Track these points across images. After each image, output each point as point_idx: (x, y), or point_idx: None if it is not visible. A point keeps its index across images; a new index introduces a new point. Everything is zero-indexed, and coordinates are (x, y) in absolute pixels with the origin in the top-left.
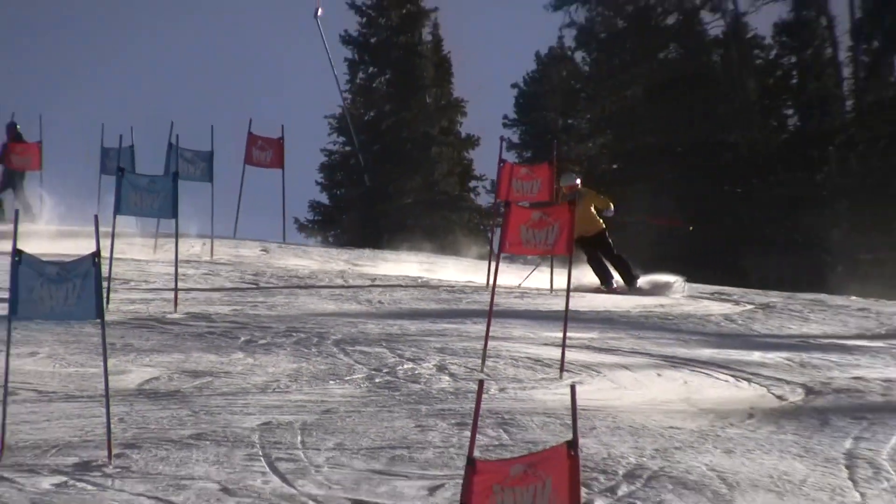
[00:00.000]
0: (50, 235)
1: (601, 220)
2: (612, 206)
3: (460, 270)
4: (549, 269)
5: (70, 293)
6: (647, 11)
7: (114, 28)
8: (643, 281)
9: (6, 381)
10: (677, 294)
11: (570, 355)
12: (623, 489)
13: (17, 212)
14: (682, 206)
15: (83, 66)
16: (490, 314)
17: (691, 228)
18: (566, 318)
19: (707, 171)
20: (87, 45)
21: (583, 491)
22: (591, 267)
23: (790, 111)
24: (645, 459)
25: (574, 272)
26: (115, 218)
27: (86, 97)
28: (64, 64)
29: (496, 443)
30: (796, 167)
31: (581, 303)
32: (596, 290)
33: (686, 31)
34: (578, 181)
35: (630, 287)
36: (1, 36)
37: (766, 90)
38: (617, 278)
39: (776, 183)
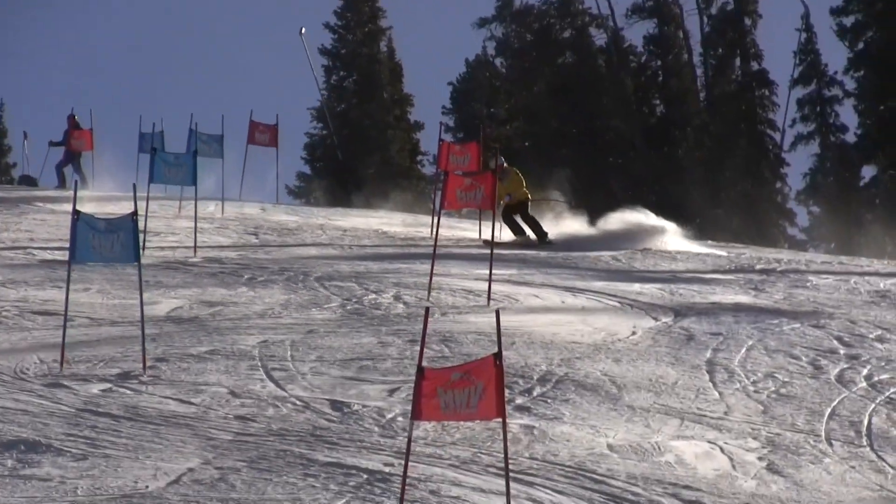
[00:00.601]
0: (99, 200)
1: (522, 193)
2: (527, 194)
3: (409, 225)
4: (479, 223)
5: (115, 242)
6: (548, 28)
7: (145, 37)
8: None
9: (66, 310)
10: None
11: (495, 287)
12: (537, 390)
13: (76, 182)
14: (576, 176)
15: (123, 69)
16: (434, 257)
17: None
18: (491, 259)
19: (594, 149)
20: (132, 48)
21: (506, 392)
22: (506, 223)
23: (657, 102)
24: (553, 367)
25: (498, 225)
26: (149, 186)
27: (125, 93)
28: (106, 66)
29: (439, 355)
30: (662, 145)
31: (503, 248)
32: (512, 243)
33: (578, 43)
34: (504, 161)
35: (542, 241)
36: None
37: (639, 87)
38: (529, 233)
39: (646, 158)
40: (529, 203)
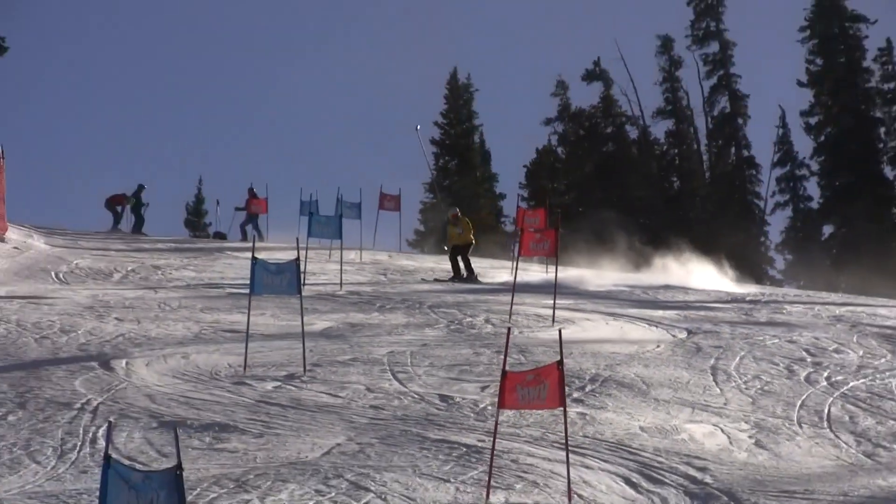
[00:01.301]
0: (271, 250)
1: (468, 238)
2: (472, 239)
3: (495, 267)
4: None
5: (283, 280)
6: (595, 125)
7: (299, 127)
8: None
9: (247, 329)
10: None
11: (558, 313)
12: (589, 387)
13: (254, 237)
14: (617, 230)
15: (287, 150)
16: (513, 291)
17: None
18: (555, 292)
19: (628, 212)
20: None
21: (566, 388)
22: (451, 262)
23: (674, 178)
24: (600, 370)
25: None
26: (307, 239)
27: (290, 171)
28: (276, 149)
29: (518, 362)
30: (676, 210)
31: (563, 281)
32: (449, 279)
33: (616, 136)
34: (458, 212)
35: (470, 279)
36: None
37: (661, 167)
38: (464, 272)
39: (665, 218)
40: (472, 246)
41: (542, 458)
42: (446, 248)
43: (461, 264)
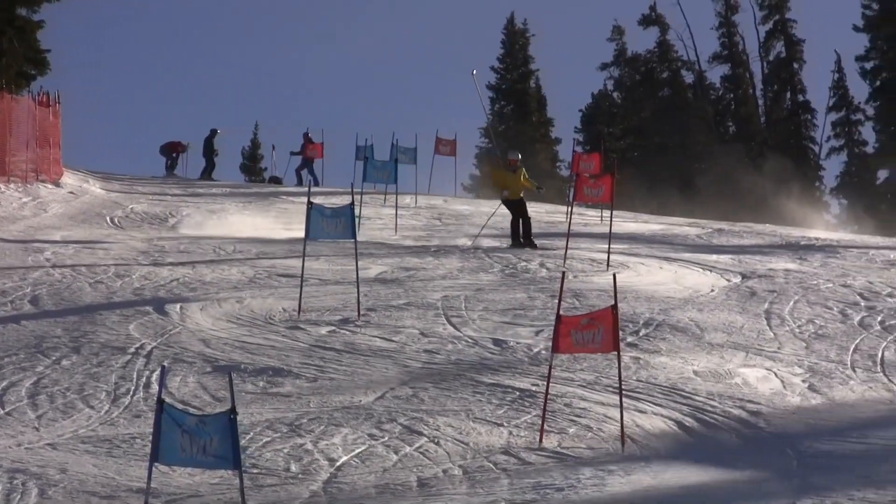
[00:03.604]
0: (327, 194)
1: (523, 190)
2: (540, 189)
3: (551, 212)
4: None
5: (338, 224)
6: (651, 70)
7: (358, 72)
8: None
9: (302, 273)
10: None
11: (613, 257)
12: (643, 332)
13: (310, 181)
14: (673, 173)
15: (345, 96)
16: (568, 235)
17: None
18: (609, 236)
19: (685, 157)
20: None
21: (620, 332)
22: (511, 226)
23: (730, 124)
24: (654, 315)
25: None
26: (363, 184)
27: (347, 115)
28: (334, 95)
29: (572, 307)
30: (733, 154)
31: (618, 228)
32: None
33: (672, 81)
34: (519, 156)
35: (528, 244)
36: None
37: (717, 113)
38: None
39: (720, 163)
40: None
41: (596, 403)
42: (505, 195)
43: (521, 228)
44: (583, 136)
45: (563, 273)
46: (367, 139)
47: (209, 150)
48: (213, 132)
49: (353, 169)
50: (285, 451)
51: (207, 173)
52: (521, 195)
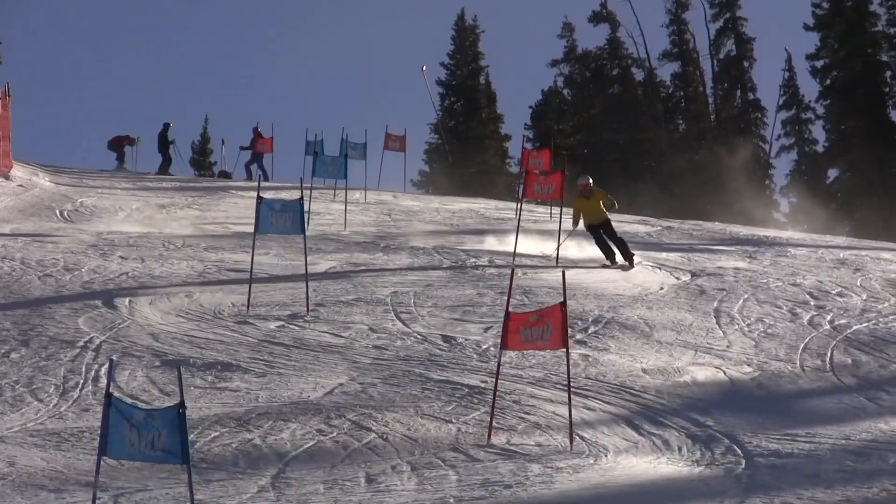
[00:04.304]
0: (276, 189)
1: (606, 212)
2: (615, 203)
3: (500, 209)
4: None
5: (287, 219)
6: (601, 67)
7: (305, 68)
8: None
9: (251, 268)
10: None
11: (562, 253)
12: (591, 329)
13: (259, 176)
14: (623, 171)
15: (293, 93)
16: (517, 232)
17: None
18: (559, 232)
19: (634, 155)
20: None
21: (569, 329)
22: (598, 246)
23: (680, 121)
24: (603, 312)
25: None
26: (312, 179)
27: (294, 112)
28: (279, 93)
29: (521, 303)
30: (682, 152)
31: (567, 225)
32: (602, 266)
33: (623, 78)
34: (591, 180)
35: (628, 261)
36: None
37: (667, 110)
38: (619, 257)
39: (672, 161)
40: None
41: (545, 400)
42: (576, 227)
43: (613, 247)
44: (533, 133)
45: (512, 270)
46: (316, 134)
47: (164, 145)
48: (166, 126)
49: (303, 164)
50: (234, 445)
51: (164, 168)
52: (606, 215)
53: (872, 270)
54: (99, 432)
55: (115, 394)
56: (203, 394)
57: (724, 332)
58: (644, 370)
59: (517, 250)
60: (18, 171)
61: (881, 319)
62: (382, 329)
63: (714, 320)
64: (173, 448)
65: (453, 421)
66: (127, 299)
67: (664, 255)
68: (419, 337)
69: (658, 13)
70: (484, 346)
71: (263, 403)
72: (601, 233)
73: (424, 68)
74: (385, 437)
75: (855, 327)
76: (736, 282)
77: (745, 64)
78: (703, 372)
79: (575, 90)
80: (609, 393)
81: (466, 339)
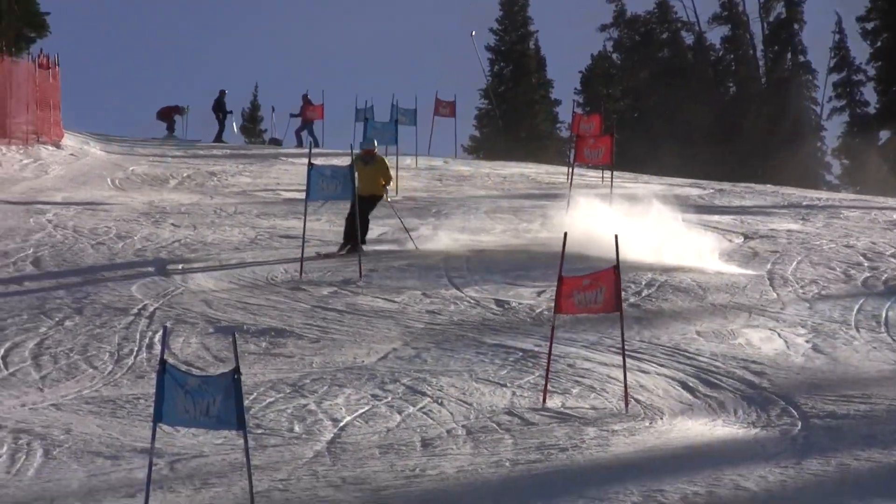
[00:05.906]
0: (326, 155)
1: (380, 188)
2: (390, 183)
3: (551, 173)
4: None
5: (337, 185)
6: (650, 31)
7: (357, 38)
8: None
9: (303, 234)
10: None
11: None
12: (645, 292)
13: (310, 142)
14: (673, 134)
15: (344, 61)
16: (569, 197)
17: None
18: (611, 196)
19: (682, 120)
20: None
21: (622, 293)
22: (346, 223)
23: (730, 84)
24: (655, 276)
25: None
26: (361, 145)
27: (346, 79)
28: (333, 60)
29: (574, 267)
30: (732, 115)
31: (619, 189)
32: (324, 256)
33: (672, 42)
34: (375, 147)
35: (362, 244)
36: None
37: (716, 74)
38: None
39: (719, 126)
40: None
41: (599, 363)
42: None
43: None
44: (582, 98)
45: (565, 233)
46: (366, 101)
47: (222, 112)
48: (222, 93)
49: (353, 130)
50: (288, 411)
51: (219, 136)
52: (379, 192)
53: None
54: (154, 399)
55: (170, 361)
56: (257, 360)
57: (777, 294)
58: (698, 333)
59: (569, 213)
60: (69, 141)
61: None
62: (435, 294)
63: (768, 282)
64: (228, 414)
65: (508, 385)
66: (180, 265)
67: (716, 217)
68: (472, 301)
69: None
70: (537, 310)
71: (318, 369)
72: (359, 209)
73: (473, 34)
74: (440, 401)
75: None
76: (789, 244)
77: (795, 26)
78: (757, 334)
79: (624, 55)
80: (663, 356)
81: (520, 303)
